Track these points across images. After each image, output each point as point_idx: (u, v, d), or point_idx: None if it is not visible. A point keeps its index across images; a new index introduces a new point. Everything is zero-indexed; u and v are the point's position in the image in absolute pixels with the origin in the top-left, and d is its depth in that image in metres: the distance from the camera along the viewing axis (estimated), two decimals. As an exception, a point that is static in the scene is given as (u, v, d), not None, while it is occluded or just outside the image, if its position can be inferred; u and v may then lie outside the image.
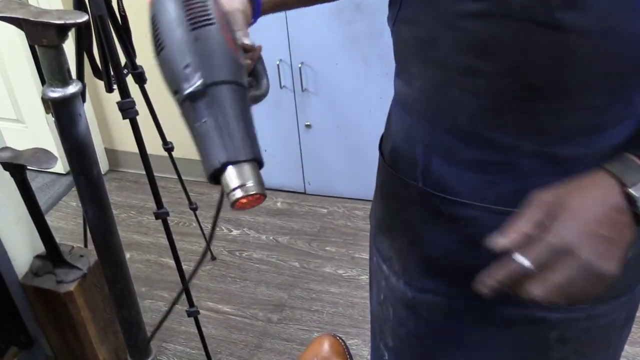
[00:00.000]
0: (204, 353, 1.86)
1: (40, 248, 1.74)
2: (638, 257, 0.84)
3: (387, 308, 0.97)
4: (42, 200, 2.76)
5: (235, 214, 2.59)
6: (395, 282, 0.93)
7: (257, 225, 2.60)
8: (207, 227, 2.39)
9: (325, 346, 0.74)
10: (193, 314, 1.70)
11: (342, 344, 0.74)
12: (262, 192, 0.58)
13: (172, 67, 0.59)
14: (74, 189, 2.10)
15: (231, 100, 0.60)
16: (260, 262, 2.43)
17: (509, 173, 0.74)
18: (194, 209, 2.20)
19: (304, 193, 2.76)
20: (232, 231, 2.57)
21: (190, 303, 1.71)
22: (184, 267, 1.77)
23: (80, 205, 1.55)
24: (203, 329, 1.86)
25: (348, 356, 0.73)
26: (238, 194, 0.57)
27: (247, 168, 0.59)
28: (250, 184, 0.57)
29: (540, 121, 0.71)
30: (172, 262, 1.78)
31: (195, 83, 0.58)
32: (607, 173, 0.64)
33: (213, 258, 2.42)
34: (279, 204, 2.72)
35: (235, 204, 0.58)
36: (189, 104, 0.59)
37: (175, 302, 0.84)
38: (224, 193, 0.61)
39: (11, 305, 1.72)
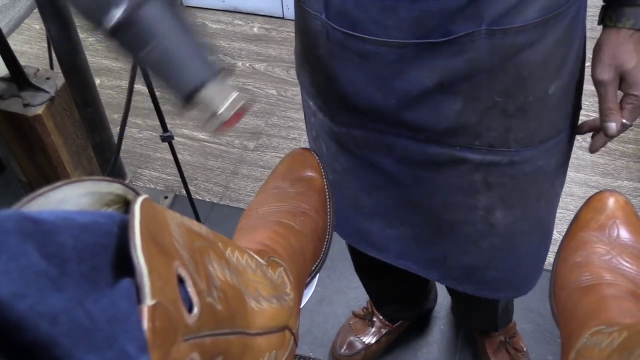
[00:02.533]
0: (179, 179, 1.84)
1: (4, 71, 1.66)
2: (562, 98, 0.82)
3: (320, 144, 0.96)
4: (2, 23, 2.62)
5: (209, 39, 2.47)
6: (322, 118, 0.90)
7: (233, 52, 2.50)
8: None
9: (298, 159, 0.70)
10: (167, 139, 1.66)
11: (316, 157, 0.70)
12: (249, 101, 0.54)
13: None
14: (36, 10, 1.97)
15: (170, 13, 0.53)
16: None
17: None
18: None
19: (282, 18, 2.63)
20: (206, 57, 2.48)
21: (164, 128, 1.66)
22: (156, 92, 1.70)
23: (44, 27, 1.45)
24: (178, 156, 1.83)
25: (322, 170, 0.69)
26: (227, 112, 0.53)
27: (225, 82, 0.54)
28: (234, 95, 0.53)
29: None
30: (144, 88, 1.71)
31: (123, 6, 0.50)
32: (627, 30, 0.75)
33: (187, 85, 2.35)
34: (255, 29, 2.60)
35: (224, 125, 0.54)
36: (123, 32, 0.52)
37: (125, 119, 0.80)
38: (206, 116, 0.57)
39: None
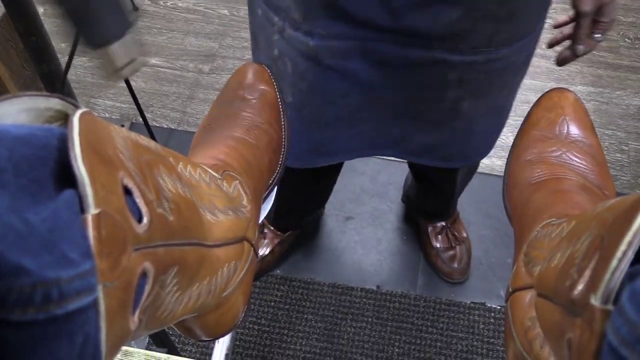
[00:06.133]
0: (135, 107, 1.81)
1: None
2: None
3: (284, 63, 0.93)
4: None
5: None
6: (292, 33, 0.88)
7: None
8: (125, -26, 2.20)
9: (250, 74, 0.69)
10: (117, 65, 1.62)
11: (268, 71, 0.69)
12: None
13: None
14: None
15: None
16: (187, 11, 2.29)
17: None
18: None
19: None
20: (153, -21, 2.39)
21: (113, 54, 1.62)
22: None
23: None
24: (132, 83, 1.78)
25: (274, 83, 0.68)
26: (126, 73, 0.53)
27: (132, 42, 0.54)
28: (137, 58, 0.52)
29: None
30: (88, 11, 1.65)
31: None
32: None
33: (135, 9, 2.27)
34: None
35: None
36: None
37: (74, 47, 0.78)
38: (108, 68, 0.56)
39: None
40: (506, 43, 0.87)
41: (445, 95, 0.92)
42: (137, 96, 1.77)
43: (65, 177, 0.30)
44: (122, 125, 1.97)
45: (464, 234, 1.65)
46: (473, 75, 0.90)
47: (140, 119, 1.79)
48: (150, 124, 1.82)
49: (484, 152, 1.16)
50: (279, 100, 0.70)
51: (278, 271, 1.65)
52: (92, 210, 0.28)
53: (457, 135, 1.03)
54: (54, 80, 1.73)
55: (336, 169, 1.39)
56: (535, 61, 2.02)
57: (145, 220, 0.33)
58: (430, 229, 1.63)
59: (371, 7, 0.79)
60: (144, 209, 0.34)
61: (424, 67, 0.87)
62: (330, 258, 1.67)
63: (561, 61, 0.96)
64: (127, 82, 1.73)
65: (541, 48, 2.06)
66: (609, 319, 0.28)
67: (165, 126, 1.97)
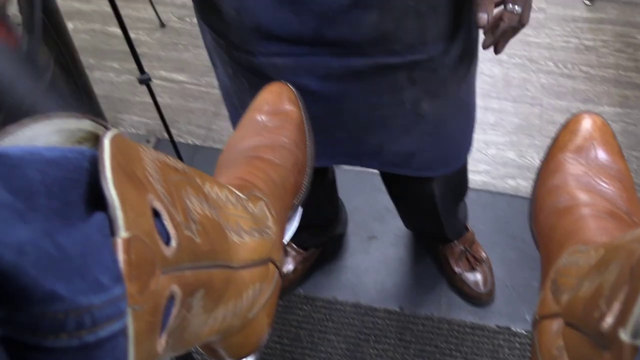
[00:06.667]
0: (160, 122, 1.83)
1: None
2: None
3: (241, 80, 0.96)
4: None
5: None
6: (236, 53, 0.91)
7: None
8: (154, -8, 2.24)
9: (275, 93, 0.70)
10: (145, 81, 1.64)
11: (294, 91, 0.70)
12: None
13: None
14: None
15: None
16: (213, 29, 2.32)
17: None
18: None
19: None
20: (181, -4, 2.43)
21: (141, 70, 1.64)
22: (131, 35, 1.67)
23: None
24: (158, 99, 1.81)
25: (300, 102, 0.69)
26: None
27: None
28: None
29: None
30: (118, 30, 1.67)
31: None
32: None
33: (162, 25, 2.30)
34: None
35: None
36: None
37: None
38: None
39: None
40: (442, 37, 0.87)
41: (402, 97, 0.93)
42: (163, 112, 1.79)
43: (95, 199, 0.31)
44: (148, 141, 1.99)
45: (483, 254, 1.63)
46: (421, 74, 0.90)
47: (166, 135, 1.81)
48: (175, 140, 1.84)
49: (462, 155, 1.17)
50: (304, 120, 0.71)
51: (301, 290, 1.65)
52: (123, 234, 0.28)
53: (430, 140, 1.04)
54: (82, 96, 1.76)
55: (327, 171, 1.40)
56: (561, 81, 2.02)
57: (173, 242, 0.34)
58: (449, 253, 1.61)
59: (293, 26, 0.81)
60: (172, 232, 0.34)
61: (370, 74, 0.88)
62: (353, 278, 1.67)
63: (484, 43, 0.92)
64: (154, 97, 1.75)
65: (566, 68, 2.06)
66: (638, 354, 0.28)
67: (190, 142, 1.99)
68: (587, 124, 0.63)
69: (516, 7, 0.84)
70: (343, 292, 1.64)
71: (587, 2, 2.23)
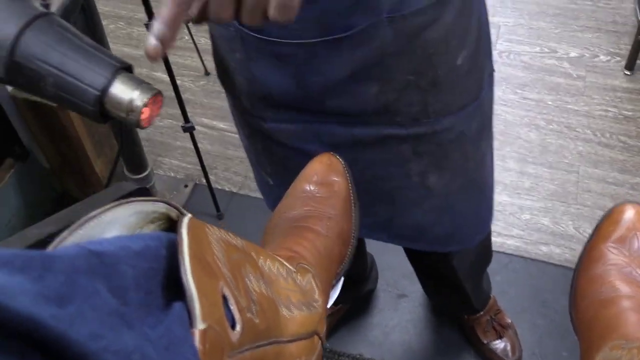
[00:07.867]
0: (199, 167, 1.87)
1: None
2: (472, 65, 0.87)
3: (256, 140, 1.00)
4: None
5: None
6: (250, 118, 0.95)
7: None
8: (200, 41, 2.30)
9: (323, 164, 0.72)
10: (188, 129, 1.68)
11: (341, 162, 0.72)
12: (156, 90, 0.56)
13: None
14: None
15: (50, 37, 0.57)
16: (255, 78, 2.38)
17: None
18: (187, 21, 2.10)
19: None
20: (226, 46, 2.49)
21: (186, 119, 1.69)
22: (177, 82, 1.72)
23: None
24: (199, 145, 1.85)
25: (347, 174, 0.71)
26: (139, 102, 0.56)
27: (126, 77, 0.57)
28: (142, 86, 0.56)
29: None
30: (165, 76, 1.73)
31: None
32: None
33: (207, 73, 2.36)
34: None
35: (142, 118, 0.57)
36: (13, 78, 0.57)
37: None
38: (123, 114, 0.59)
39: (2, 117, 1.69)
40: (446, 113, 0.87)
41: (408, 169, 0.93)
42: (203, 158, 1.83)
43: (170, 285, 0.33)
44: (186, 186, 2.03)
45: (508, 320, 1.61)
46: (425, 147, 0.90)
47: (204, 181, 1.85)
48: (213, 186, 1.87)
49: (477, 235, 1.13)
50: (351, 191, 0.73)
51: (327, 344, 1.65)
52: (200, 325, 0.30)
53: (440, 214, 1.02)
54: (126, 137, 1.81)
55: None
56: (599, 150, 2.02)
57: (238, 327, 0.35)
58: (476, 324, 1.59)
59: (297, 98, 0.84)
60: (237, 316, 0.36)
61: (374, 144, 0.90)
62: (380, 335, 1.67)
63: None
64: (195, 143, 1.79)
65: (604, 137, 2.06)
66: None
67: (227, 189, 2.02)
68: (630, 214, 0.64)
69: None
70: (369, 349, 1.64)
71: (627, 72, 2.24)
